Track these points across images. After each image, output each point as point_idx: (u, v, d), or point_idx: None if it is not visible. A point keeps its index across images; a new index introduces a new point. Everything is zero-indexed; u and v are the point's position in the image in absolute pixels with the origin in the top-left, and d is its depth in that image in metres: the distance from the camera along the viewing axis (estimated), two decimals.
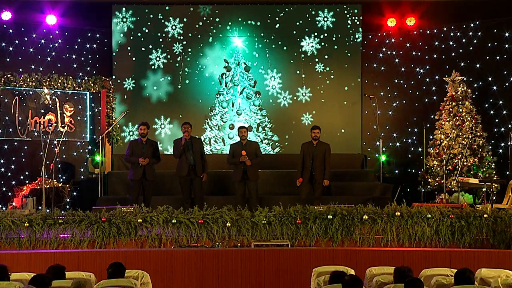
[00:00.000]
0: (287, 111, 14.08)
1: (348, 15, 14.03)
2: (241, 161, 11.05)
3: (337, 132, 13.89)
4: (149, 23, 13.95)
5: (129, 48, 13.92)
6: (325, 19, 14.04)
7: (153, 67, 13.93)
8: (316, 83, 14.05)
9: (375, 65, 14.16)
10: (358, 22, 14.01)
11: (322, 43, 14.03)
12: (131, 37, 13.92)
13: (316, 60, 14.02)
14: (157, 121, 13.89)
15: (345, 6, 14.02)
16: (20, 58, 13.10)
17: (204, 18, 14.02)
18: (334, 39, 14.02)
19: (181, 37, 13.97)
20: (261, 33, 14.06)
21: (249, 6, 14.11)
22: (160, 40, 13.94)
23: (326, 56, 14.03)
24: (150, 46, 13.94)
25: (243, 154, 11.01)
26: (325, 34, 14.02)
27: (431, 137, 12.79)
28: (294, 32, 14.04)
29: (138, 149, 11.09)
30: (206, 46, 14.03)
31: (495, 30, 13.13)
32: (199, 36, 14.00)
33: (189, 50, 14.00)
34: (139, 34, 13.94)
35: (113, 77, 13.71)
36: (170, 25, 13.97)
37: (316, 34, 14.01)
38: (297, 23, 14.03)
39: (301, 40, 14.02)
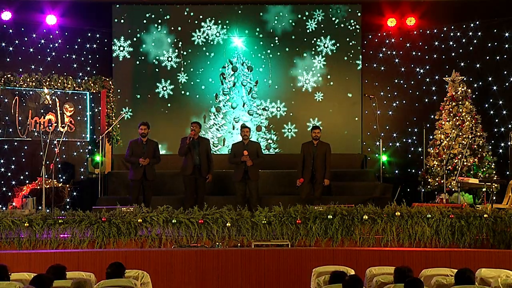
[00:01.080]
0: (287, 110, 14.10)
1: (348, 15, 14.04)
2: (242, 161, 11.03)
3: (337, 132, 13.90)
4: (148, 23, 13.95)
5: (129, 47, 13.92)
6: (325, 17, 14.05)
7: (153, 66, 13.96)
8: (316, 82, 14.07)
9: (375, 65, 14.17)
10: (358, 22, 14.02)
11: (322, 42, 14.05)
12: (131, 36, 13.92)
13: (316, 60, 14.04)
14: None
15: (344, 8, 14.03)
16: (20, 58, 13.09)
17: (204, 18, 14.03)
18: (334, 38, 14.05)
19: (181, 36, 13.98)
20: (261, 34, 14.06)
21: (249, 6, 14.11)
22: (160, 39, 13.95)
23: (326, 55, 14.08)
24: (150, 46, 13.95)
25: (245, 154, 10.99)
26: (325, 33, 14.03)
27: (431, 137, 12.78)
28: (293, 37, 14.04)
29: (139, 149, 11.07)
30: (206, 45, 14.04)
31: (495, 30, 13.12)
32: (199, 36, 14.00)
33: (189, 49, 14.01)
34: (140, 34, 13.96)
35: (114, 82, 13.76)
36: (169, 25, 13.98)
37: (316, 33, 14.03)
38: (297, 23, 14.05)
39: (301, 39, 14.05)
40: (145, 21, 13.98)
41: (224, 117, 14.01)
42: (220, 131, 14.01)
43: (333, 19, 14.06)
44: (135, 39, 13.94)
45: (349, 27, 14.05)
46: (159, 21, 13.98)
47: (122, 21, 13.92)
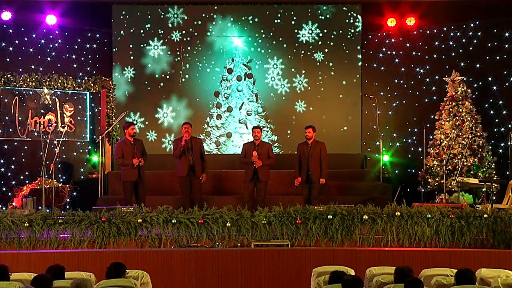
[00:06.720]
0: (286, 108, 14.08)
1: (348, 14, 14.05)
2: (252, 161, 11.00)
3: (337, 132, 13.91)
4: (148, 22, 13.97)
5: (130, 46, 13.94)
6: (325, 16, 14.04)
7: (152, 65, 13.95)
8: (316, 81, 14.07)
9: (375, 65, 14.16)
10: (358, 21, 14.02)
11: (322, 41, 14.05)
12: (131, 35, 13.93)
13: (316, 57, 14.04)
14: (159, 110, 13.97)
15: (345, 6, 14.04)
16: (20, 58, 13.09)
17: (204, 16, 14.02)
18: (333, 36, 14.04)
19: (181, 36, 13.97)
20: (261, 31, 14.05)
21: (249, 6, 14.11)
22: (160, 37, 13.96)
23: (325, 52, 14.07)
24: (150, 45, 13.95)
25: (254, 154, 10.96)
26: (325, 31, 14.03)
27: (431, 137, 12.78)
28: (295, 31, 14.03)
29: (129, 149, 10.96)
30: (206, 45, 14.03)
31: (495, 30, 13.12)
32: (199, 36, 14.00)
33: (189, 48, 14.00)
34: (139, 33, 13.97)
35: (116, 74, 13.75)
36: (169, 25, 13.98)
37: (315, 31, 14.02)
38: (297, 22, 14.05)
39: (300, 37, 14.04)
40: (144, 21, 13.97)
41: (222, 118, 14.03)
42: (223, 130, 14.05)
43: (333, 18, 14.06)
44: (134, 38, 13.94)
45: (349, 27, 14.05)
46: (159, 21, 13.97)
47: (122, 21, 13.91)
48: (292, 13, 14.07)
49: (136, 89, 13.97)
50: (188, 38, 13.99)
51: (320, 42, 14.06)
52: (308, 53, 14.05)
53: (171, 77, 14.01)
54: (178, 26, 14.01)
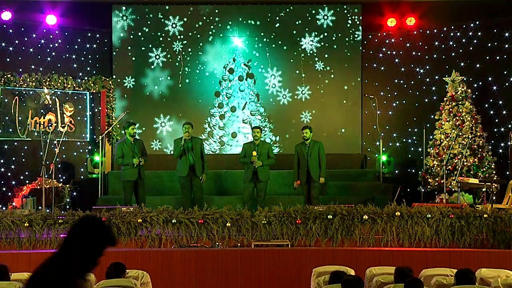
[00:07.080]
0: (287, 110, 14.07)
1: (348, 15, 14.04)
2: (251, 161, 11.01)
3: (337, 132, 13.90)
4: (149, 22, 13.96)
5: (129, 47, 13.92)
6: (325, 17, 14.03)
7: (152, 66, 13.93)
8: (316, 82, 14.05)
9: (375, 65, 14.16)
10: (358, 22, 14.01)
11: (322, 43, 14.04)
12: (131, 35, 13.91)
13: (316, 59, 14.03)
14: (157, 119, 13.93)
15: (345, 6, 14.04)
16: (20, 58, 13.09)
17: (204, 18, 14.02)
18: (334, 38, 14.03)
19: (181, 36, 13.96)
20: (261, 32, 14.04)
21: (249, 6, 14.10)
22: (160, 39, 13.94)
23: (326, 55, 14.05)
24: (150, 45, 13.94)
25: (254, 154, 10.97)
26: (325, 34, 14.02)
27: (431, 137, 12.78)
28: (294, 31, 14.03)
29: (129, 149, 10.99)
30: (206, 45, 14.02)
31: (495, 30, 13.12)
32: (199, 36, 14.00)
33: (189, 49, 13.99)
34: (139, 34, 13.95)
35: (113, 76, 13.73)
36: (170, 24, 13.97)
37: (316, 33, 14.02)
38: (297, 22, 14.04)
39: (301, 39, 14.03)
40: (144, 23, 13.96)
41: (225, 118, 14.02)
42: (222, 131, 14.04)
43: (334, 19, 14.05)
44: (134, 38, 13.93)
45: (349, 27, 14.04)
46: (159, 23, 13.96)
47: (122, 21, 13.90)
48: (289, 11, 14.00)
49: (136, 93, 13.91)
50: (186, 42, 13.95)
51: (320, 42, 14.04)
52: (308, 54, 14.03)
53: (172, 79, 13.97)
54: (178, 26, 13.97)
